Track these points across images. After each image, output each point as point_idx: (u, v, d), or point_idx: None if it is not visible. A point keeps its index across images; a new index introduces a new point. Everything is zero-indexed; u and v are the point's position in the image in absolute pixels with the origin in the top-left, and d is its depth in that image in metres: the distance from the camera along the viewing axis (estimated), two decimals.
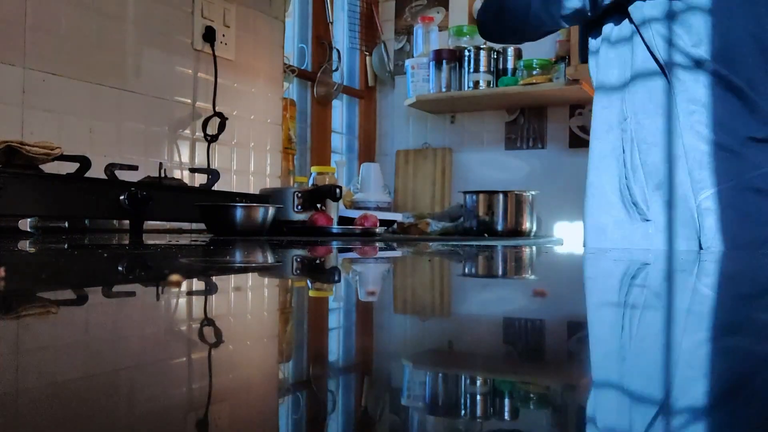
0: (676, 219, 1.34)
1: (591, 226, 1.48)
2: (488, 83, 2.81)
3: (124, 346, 0.32)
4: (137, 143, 2.07)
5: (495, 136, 3.07)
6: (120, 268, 0.74)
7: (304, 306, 0.50)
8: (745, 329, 0.39)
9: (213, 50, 2.28)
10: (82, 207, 1.53)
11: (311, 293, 0.58)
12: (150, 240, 1.38)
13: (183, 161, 2.23)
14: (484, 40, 2.87)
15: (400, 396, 0.24)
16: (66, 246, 1.08)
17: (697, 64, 1.32)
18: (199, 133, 2.27)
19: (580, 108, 2.87)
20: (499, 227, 2.56)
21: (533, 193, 2.62)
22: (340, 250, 1.20)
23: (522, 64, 2.75)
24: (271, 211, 1.65)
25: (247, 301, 0.50)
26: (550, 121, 2.95)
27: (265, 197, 1.99)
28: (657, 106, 1.36)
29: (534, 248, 1.62)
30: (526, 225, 2.60)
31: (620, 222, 1.40)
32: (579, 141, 2.84)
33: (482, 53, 2.81)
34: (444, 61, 2.87)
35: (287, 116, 2.70)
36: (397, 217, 2.73)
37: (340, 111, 3.33)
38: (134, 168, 1.75)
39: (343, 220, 2.21)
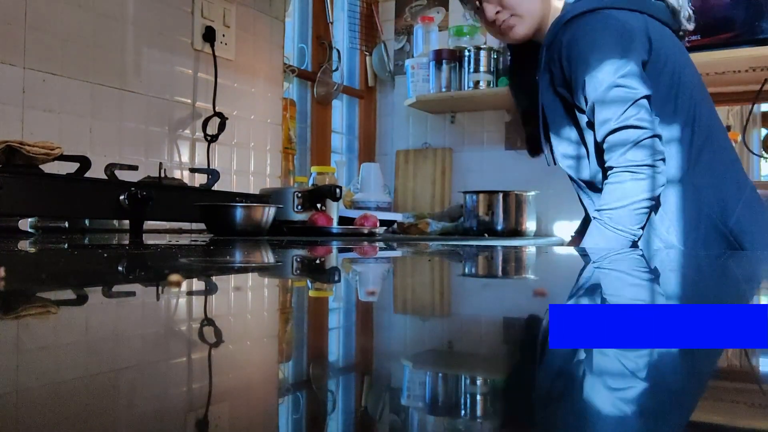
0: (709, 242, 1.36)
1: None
2: (488, 83, 2.81)
3: (124, 346, 0.32)
4: (137, 143, 2.07)
5: (495, 136, 3.07)
6: (120, 268, 0.74)
7: (304, 306, 0.50)
8: None
9: (213, 50, 2.28)
10: (82, 207, 1.53)
11: (311, 293, 0.58)
12: (150, 240, 1.38)
13: (183, 161, 2.23)
14: (484, 40, 2.88)
15: (400, 396, 0.24)
16: (66, 246, 1.08)
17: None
18: (199, 133, 2.27)
19: None
20: (499, 227, 2.56)
21: (533, 193, 2.61)
22: (340, 251, 1.20)
23: None
24: (271, 211, 1.65)
25: (247, 301, 0.50)
26: None
27: (265, 197, 1.99)
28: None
29: (534, 249, 1.62)
30: (526, 225, 2.60)
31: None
32: None
33: (482, 53, 2.81)
34: (444, 61, 2.87)
35: (287, 116, 2.70)
36: (397, 217, 2.72)
37: (340, 111, 3.33)
38: (134, 168, 1.75)
39: (343, 220, 2.21)
